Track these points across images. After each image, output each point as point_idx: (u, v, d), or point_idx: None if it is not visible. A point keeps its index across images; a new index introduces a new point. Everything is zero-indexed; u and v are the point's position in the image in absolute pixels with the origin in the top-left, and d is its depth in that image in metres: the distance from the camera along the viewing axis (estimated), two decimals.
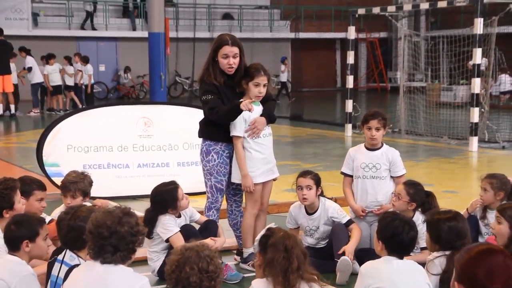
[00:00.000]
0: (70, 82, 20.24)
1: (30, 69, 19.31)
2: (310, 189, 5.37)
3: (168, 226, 5.12)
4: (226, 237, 5.41)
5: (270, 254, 3.52)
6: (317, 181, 5.41)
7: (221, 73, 5.29)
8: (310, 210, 5.48)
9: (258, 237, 3.68)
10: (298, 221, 5.55)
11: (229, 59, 5.25)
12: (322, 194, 5.50)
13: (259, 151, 5.33)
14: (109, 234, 3.23)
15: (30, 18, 24.98)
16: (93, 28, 26.33)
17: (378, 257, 3.92)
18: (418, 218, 5.14)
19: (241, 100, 5.19)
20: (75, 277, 3.40)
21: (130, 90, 26.21)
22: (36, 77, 19.44)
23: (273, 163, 5.49)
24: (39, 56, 21.13)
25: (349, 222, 5.41)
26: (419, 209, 5.28)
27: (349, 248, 5.14)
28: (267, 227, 3.76)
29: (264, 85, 5.27)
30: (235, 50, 5.26)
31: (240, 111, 5.12)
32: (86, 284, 3.27)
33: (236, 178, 5.39)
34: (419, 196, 5.25)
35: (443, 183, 8.92)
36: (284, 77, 25.04)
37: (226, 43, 5.27)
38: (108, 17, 26.51)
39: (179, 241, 4.98)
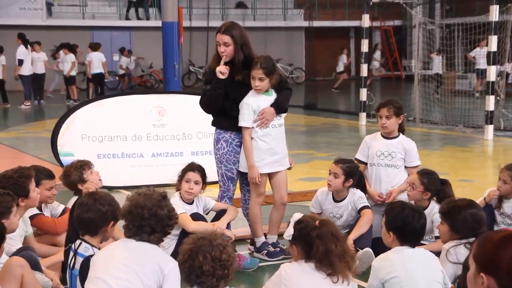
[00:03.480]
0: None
1: (20, 61, 18.58)
2: (336, 177, 5.35)
3: (174, 206, 5.09)
4: (241, 227, 5.40)
5: (322, 246, 3.41)
6: (348, 172, 5.34)
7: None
8: (337, 198, 5.46)
9: (288, 232, 3.56)
10: (323, 206, 5.52)
11: (220, 47, 5.25)
12: (353, 186, 5.43)
13: (265, 142, 5.31)
14: (149, 216, 3.40)
15: (44, 8, 25.02)
16: (138, 18, 26.23)
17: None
18: (434, 207, 5.11)
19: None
20: (113, 247, 3.50)
21: (140, 78, 26.07)
22: (25, 69, 18.77)
23: (281, 155, 5.43)
24: (53, 46, 21.23)
25: (362, 208, 5.36)
26: (434, 198, 5.24)
27: (348, 239, 5.09)
28: (295, 219, 3.61)
29: (260, 79, 5.20)
30: (225, 38, 5.22)
31: (219, 82, 5.17)
32: (128, 252, 3.38)
33: (242, 167, 5.38)
34: (434, 185, 5.22)
35: (458, 172, 8.87)
36: (483, 64, 20.21)
37: (219, 31, 5.29)
38: (122, 6, 26.53)
39: (184, 220, 5.02)
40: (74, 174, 5.28)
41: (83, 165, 5.35)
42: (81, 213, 3.81)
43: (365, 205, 5.38)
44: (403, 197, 5.45)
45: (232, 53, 5.25)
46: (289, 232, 3.52)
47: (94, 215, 3.76)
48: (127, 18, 26.42)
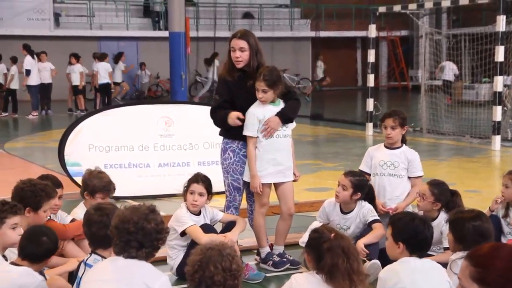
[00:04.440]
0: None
1: (28, 72, 18.77)
2: (344, 189, 5.32)
3: (183, 219, 5.12)
4: (247, 237, 5.39)
5: (330, 259, 3.42)
6: (357, 186, 5.31)
7: (235, 68, 5.32)
8: (345, 210, 5.42)
9: (303, 239, 3.63)
10: (330, 217, 5.48)
11: (236, 52, 5.27)
12: (362, 198, 5.39)
13: (269, 151, 5.31)
14: (135, 230, 3.29)
15: (52, 18, 25.10)
16: (159, 28, 26.26)
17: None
18: (444, 218, 5.09)
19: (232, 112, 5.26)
20: (101, 266, 3.45)
21: (152, 88, 26.18)
22: (32, 79, 18.91)
23: (285, 166, 5.41)
24: (61, 56, 21.31)
25: (373, 221, 5.32)
26: (443, 209, 5.23)
27: (359, 242, 5.05)
28: (311, 228, 3.65)
29: (263, 91, 5.20)
30: (241, 43, 5.25)
31: (227, 124, 5.27)
32: (113, 272, 3.31)
33: (246, 177, 5.38)
34: (444, 196, 5.22)
35: (465, 183, 8.82)
36: None
37: (234, 36, 5.32)
38: (129, 16, 26.63)
39: (196, 232, 5.01)
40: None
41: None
42: (97, 231, 3.80)
43: (376, 219, 5.33)
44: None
45: (247, 59, 5.28)
46: (304, 239, 3.56)
47: (107, 230, 3.68)
48: (158, 29, 26.43)
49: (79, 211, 5.17)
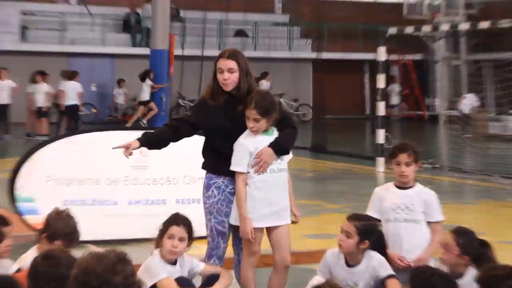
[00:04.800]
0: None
1: None
2: (348, 236, 5.15)
3: (154, 269, 5.01)
4: None
5: None
6: (363, 232, 5.15)
7: (222, 91, 5.36)
8: (351, 262, 5.22)
9: None
10: (333, 271, 5.29)
11: (224, 74, 5.30)
12: (370, 248, 5.20)
13: (261, 189, 5.25)
14: (98, 285, 3.11)
15: (18, 31, 25.20)
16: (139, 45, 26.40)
17: None
18: (473, 275, 4.78)
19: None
20: None
21: (127, 112, 26.11)
22: None
23: (281, 206, 5.35)
24: (26, 74, 21.24)
25: (388, 276, 5.12)
26: (472, 263, 4.97)
27: None
28: (312, 285, 3.60)
29: (255, 120, 5.19)
30: (230, 64, 5.29)
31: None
32: None
33: (233, 219, 5.30)
34: (472, 247, 4.98)
35: (498, 232, 8.56)
36: None
37: (222, 56, 5.38)
38: (106, 31, 26.77)
39: (169, 287, 4.92)
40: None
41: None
42: (44, 286, 3.70)
43: (391, 274, 5.13)
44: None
45: (236, 81, 5.31)
46: None
47: (59, 284, 3.57)
48: (138, 45, 26.61)
49: (30, 258, 4.86)
